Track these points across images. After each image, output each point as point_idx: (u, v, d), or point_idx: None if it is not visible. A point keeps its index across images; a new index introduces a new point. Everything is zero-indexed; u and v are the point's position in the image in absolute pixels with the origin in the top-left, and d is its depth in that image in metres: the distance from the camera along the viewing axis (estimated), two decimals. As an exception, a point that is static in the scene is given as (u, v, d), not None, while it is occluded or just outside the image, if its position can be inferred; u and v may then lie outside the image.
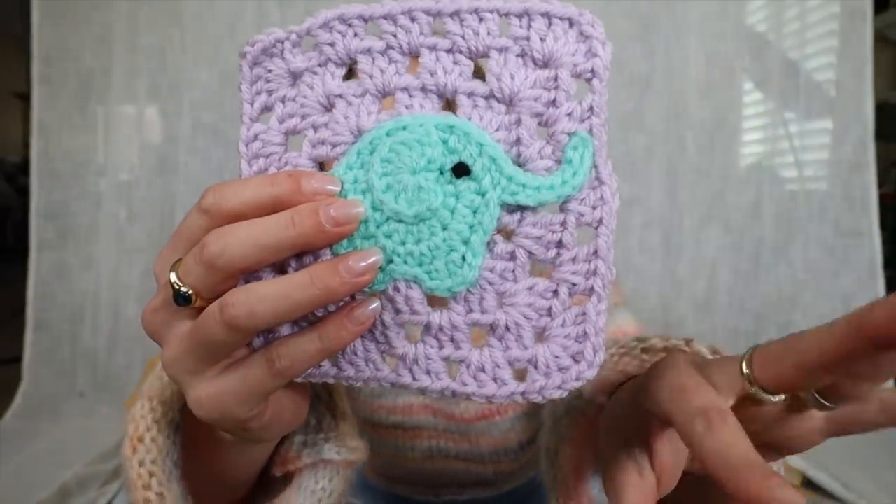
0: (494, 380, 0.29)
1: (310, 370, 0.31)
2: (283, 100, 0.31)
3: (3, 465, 1.37)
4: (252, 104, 0.31)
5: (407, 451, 0.68)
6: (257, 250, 0.26)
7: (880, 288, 1.76)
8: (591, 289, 0.29)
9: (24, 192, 2.55)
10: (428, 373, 0.30)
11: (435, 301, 0.29)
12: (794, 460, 1.26)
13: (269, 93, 0.31)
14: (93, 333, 1.76)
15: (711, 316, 1.82)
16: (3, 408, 1.67)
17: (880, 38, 2.03)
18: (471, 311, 0.29)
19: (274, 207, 0.27)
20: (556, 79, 0.28)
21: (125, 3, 1.72)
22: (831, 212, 1.79)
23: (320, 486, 0.41)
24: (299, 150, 0.31)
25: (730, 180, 1.81)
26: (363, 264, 0.27)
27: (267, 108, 0.31)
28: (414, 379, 0.30)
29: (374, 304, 0.28)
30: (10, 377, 1.74)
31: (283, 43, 0.31)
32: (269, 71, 0.31)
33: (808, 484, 1.25)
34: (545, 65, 0.29)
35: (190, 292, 0.27)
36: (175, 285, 0.27)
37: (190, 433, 0.39)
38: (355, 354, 0.30)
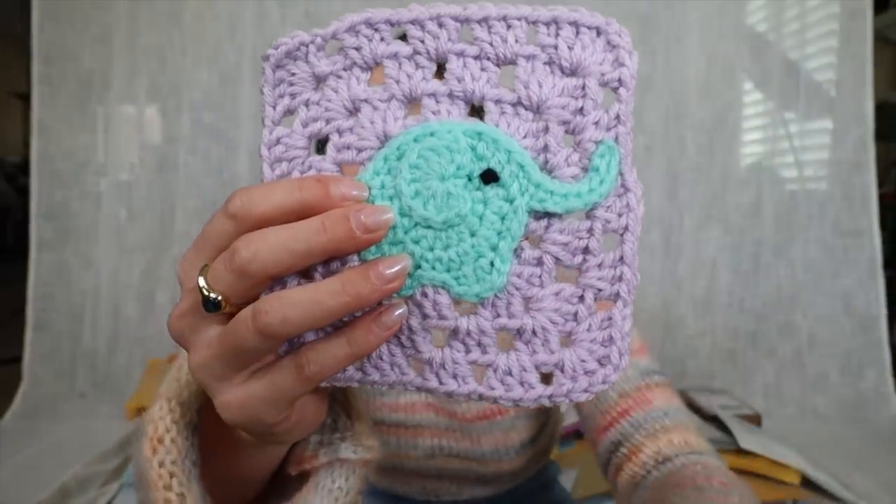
0: (521, 383, 0.30)
1: (335, 374, 0.31)
2: (306, 103, 0.31)
3: (3, 465, 1.37)
4: (274, 107, 0.31)
5: (409, 450, 0.68)
6: (288, 255, 0.26)
7: (880, 288, 1.76)
8: (617, 294, 0.29)
9: (24, 192, 2.55)
10: (455, 377, 0.30)
11: (462, 306, 0.30)
12: (794, 460, 1.26)
13: (293, 96, 0.31)
14: (93, 333, 1.76)
15: (711, 316, 1.82)
16: (3, 408, 1.67)
17: (880, 38, 2.03)
18: (498, 315, 0.29)
19: (301, 213, 0.27)
20: (583, 87, 0.29)
21: (125, 3, 1.72)
22: (831, 212, 1.79)
23: (337, 484, 0.41)
24: (323, 154, 0.31)
25: (730, 180, 1.81)
26: (392, 271, 0.27)
27: (289, 112, 0.31)
28: (440, 383, 0.30)
29: (401, 310, 0.28)
30: (10, 377, 1.74)
31: (307, 46, 0.30)
32: (293, 74, 0.31)
33: (808, 484, 1.25)
34: (573, 73, 0.29)
35: (220, 298, 0.27)
36: (204, 291, 0.27)
37: (207, 434, 0.39)
38: (381, 359, 0.31)
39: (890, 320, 1.79)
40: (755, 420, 1.52)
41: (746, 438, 1.31)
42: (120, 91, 1.76)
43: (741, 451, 1.28)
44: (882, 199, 1.80)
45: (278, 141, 0.31)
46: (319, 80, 0.31)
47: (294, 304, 0.26)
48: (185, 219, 1.76)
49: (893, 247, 2.20)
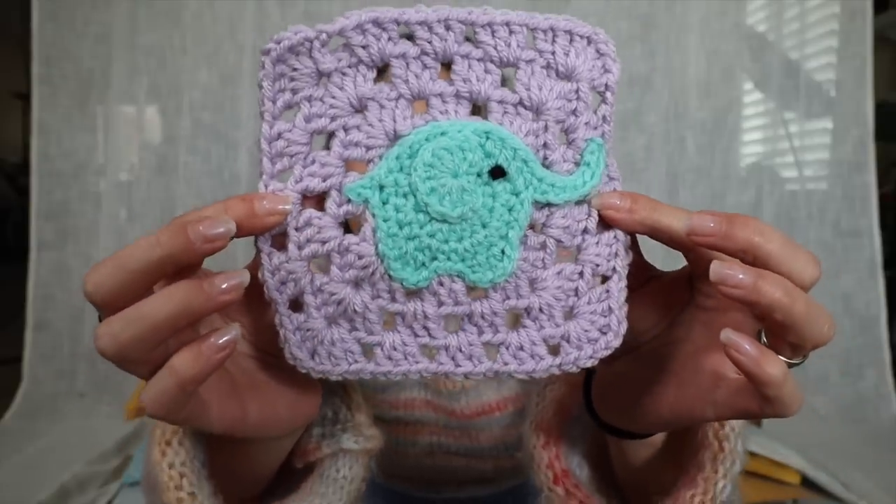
0: (532, 356, 0.33)
1: (345, 368, 0.32)
2: (309, 99, 0.31)
3: (3, 465, 1.37)
4: (274, 102, 0.31)
5: (408, 447, 0.69)
6: (128, 276, 0.27)
7: (880, 288, 1.76)
8: (613, 269, 0.33)
9: (24, 192, 2.55)
10: (470, 358, 0.33)
11: (474, 291, 0.32)
12: (794, 460, 1.26)
13: (294, 91, 0.31)
14: (93, 333, 1.75)
15: (711, 316, 1.82)
16: (3, 408, 1.67)
17: (880, 38, 2.03)
18: (507, 297, 0.32)
19: (175, 265, 0.28)
20: (577, 91, 0.32)
21: (125, 3, 1.72)
22: (831, 212, 1.79)
23: (342, 474, 0.43)
24: (323, 148, 0.32)
25: (730, 180, 1.81)
26: (230, 283, 0.27)
27: (289, 107, 0.32)
28: (457, 365, 0.33)
29: (234, 332, 0.28)
30: (10, 377, 1.74)
31: (311, 42, 0.31)
32: (295, 69, 0.31)
33: (808, 484, 1.25)
34: (567, 77, 0.32)
35: None
36: None
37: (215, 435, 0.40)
38: (394, 349, 0.32)
39: (890, 320, 1.79)
40: (755, 420, 1.52)
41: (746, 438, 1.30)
42: (120, 91, 1.76)
43: (741, 451, 1.28)
44: (882, 199, 1.80)
45: (279, 136, 0.31)
46: (322, 76, 0.31)
47: (123, 324, 0.26)
48: (185, 219, 1.76)
49: (893, 247, 2.20)
